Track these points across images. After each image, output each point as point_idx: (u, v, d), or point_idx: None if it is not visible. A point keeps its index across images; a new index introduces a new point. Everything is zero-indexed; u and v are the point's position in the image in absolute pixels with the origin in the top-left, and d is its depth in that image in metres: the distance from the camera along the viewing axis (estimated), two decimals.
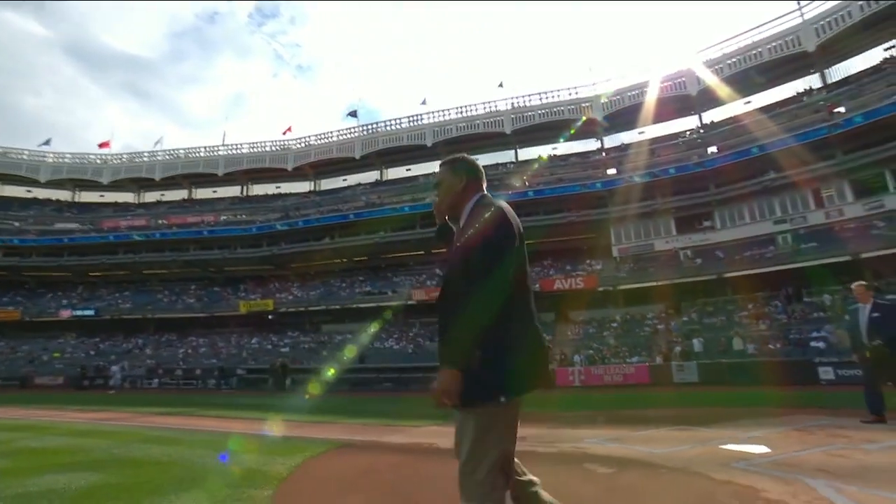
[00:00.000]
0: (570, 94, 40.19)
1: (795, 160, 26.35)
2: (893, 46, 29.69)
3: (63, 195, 50.27)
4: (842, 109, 27.12)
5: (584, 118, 38.58)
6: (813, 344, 17.78)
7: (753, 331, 19.99)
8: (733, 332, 19.99)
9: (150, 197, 51.02)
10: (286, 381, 22.88)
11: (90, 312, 38.96)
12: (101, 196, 51.47)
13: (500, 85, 43.72)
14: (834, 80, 31.31)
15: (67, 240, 42.61)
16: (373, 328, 34.76)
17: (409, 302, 34.03)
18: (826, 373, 15.70)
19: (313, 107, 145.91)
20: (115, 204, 50.66)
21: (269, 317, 40.02)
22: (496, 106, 42.09)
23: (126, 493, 4.04)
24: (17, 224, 44.39)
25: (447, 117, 43.18)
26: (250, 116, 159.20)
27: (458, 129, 42.55)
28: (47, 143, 49.07)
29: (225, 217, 43.78)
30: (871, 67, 29.85)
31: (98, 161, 49.79)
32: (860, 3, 28.31)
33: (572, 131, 38.14)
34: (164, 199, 50.36)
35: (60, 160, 49.25)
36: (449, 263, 1.87)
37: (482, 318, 1.70)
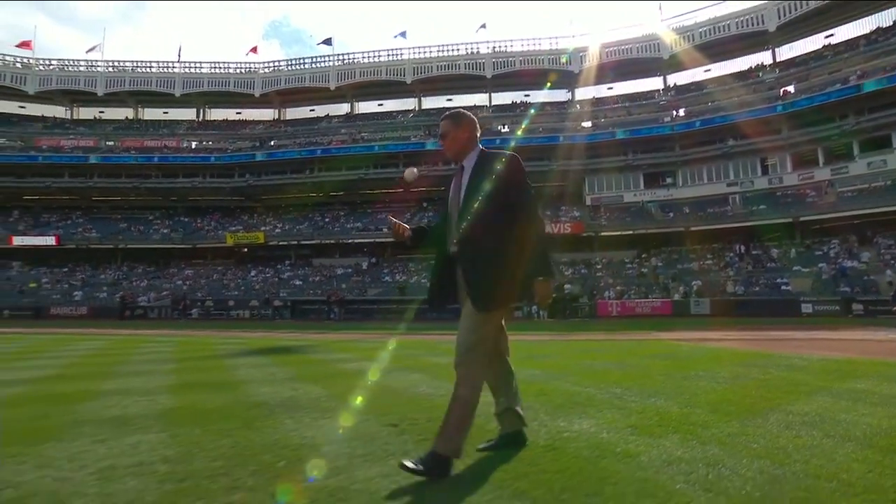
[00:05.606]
0: (550, 45, 41.62)
1: (750, 131, 30.97)
2: (832, 34, 34.67)
3: None
4: (791, 89, 31.90)
5: (561, 69, 40.67)
6: (784, 287, 23.09)
7: (723, 276, 25.03)
8: (727, 276, 24.94)
9: (86, 113, 45.88)
10: (341, 311, 24.93)
11: (48, 241, 36.09)
12: (22, 107, 45.38)
13: (483, 26, 43.14)
14: (782, 60, 35.99)
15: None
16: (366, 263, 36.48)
17: None
18: (807, 308, 20.85)
19: (229, 20, 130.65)
20: (43, 118, 45.06)
21: (244, 249, 39.83)
22: (478, 49, 42.43)
23: None
24: None
25: (428, 55, 42.84)
26: (155, 27, 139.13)
27: (438, 69, 42.52)
28: None
29: (189, 143, 41.26)
30: (814, 52, 34.71)
31: (18, 65, 43.36)
32: None
33: (549, 85, 40.19)
34: (105, 116, 45.61)
35: None
36: (483, 195, 2.13)
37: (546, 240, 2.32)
